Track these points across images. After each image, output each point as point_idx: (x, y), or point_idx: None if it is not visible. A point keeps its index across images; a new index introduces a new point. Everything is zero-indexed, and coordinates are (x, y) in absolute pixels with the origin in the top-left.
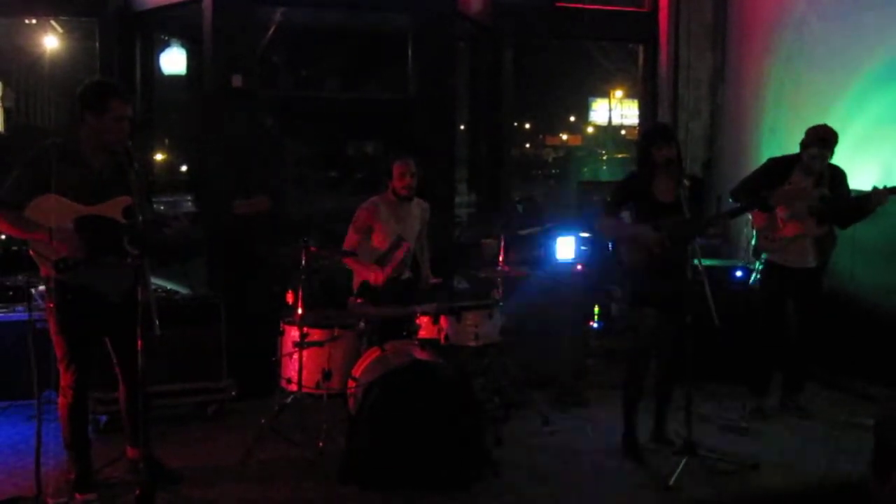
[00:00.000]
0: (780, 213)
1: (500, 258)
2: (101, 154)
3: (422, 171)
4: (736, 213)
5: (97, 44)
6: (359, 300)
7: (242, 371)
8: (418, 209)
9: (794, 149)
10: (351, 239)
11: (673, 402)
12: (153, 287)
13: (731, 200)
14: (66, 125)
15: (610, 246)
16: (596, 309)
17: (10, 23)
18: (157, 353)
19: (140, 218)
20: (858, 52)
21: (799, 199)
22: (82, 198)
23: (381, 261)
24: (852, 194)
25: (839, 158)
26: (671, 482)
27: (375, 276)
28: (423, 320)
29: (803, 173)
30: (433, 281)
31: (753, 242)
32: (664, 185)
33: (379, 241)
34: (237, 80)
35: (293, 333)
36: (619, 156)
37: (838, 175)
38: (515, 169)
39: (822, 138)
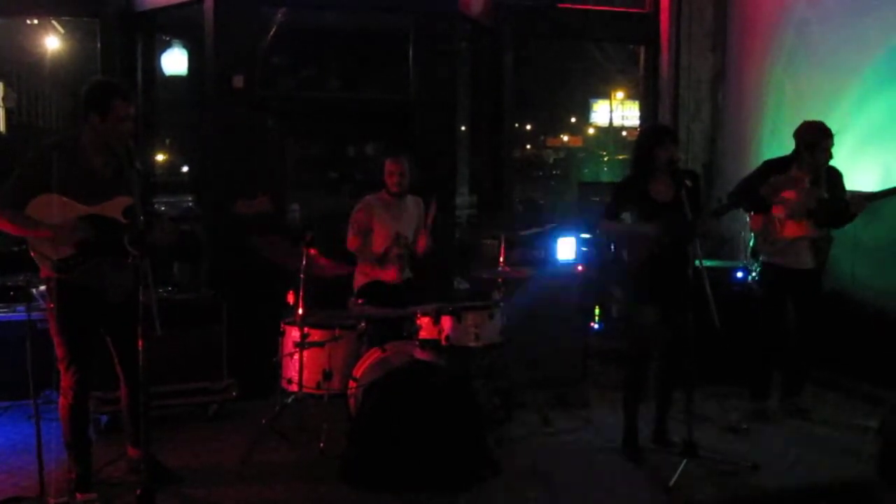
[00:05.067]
0: (778, 214)
1: (501, 259)
2: (102, 154)
3: (420, 172)
4: (721, 212)
5: (98, 44)
6: (359, 301)
7: (243, 371)
8: (414, 205)
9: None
10: (353, 241)
11: (673, 404)
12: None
13: (726, 203)
14: (67, 125)
15: (611, 247)
16: (597, 310)
17: (12, 23)
18: (158, 353)
19: (141, 218)
20: (859, 53)
21: (789, 186)
22: (83, 198)
23: (381, 260)
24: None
25: (840, 160)
26: (671, 483)
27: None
28: (424, 321)
29: (801, 173)
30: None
31: (752, 244)
32: (662, 185)
33: (378, 240)
34: (238, 81)
35: (294, 334)
36: (620, 157)
37: (835, 176)
38: (516, 170)
39: (829, 131)
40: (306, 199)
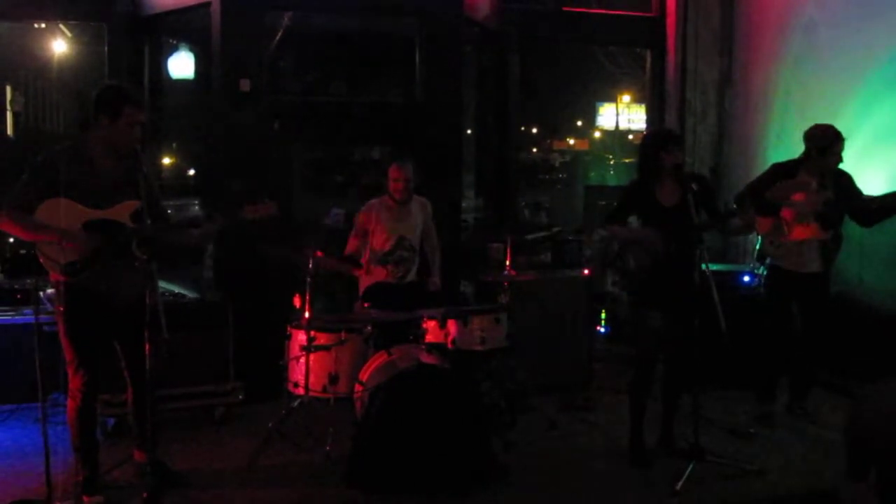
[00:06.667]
0: (786, 217)
1: (507, 262)
2: (110, 158)
3: (424, 176)
4: (729, 216)
5: (105, 48)
6: (365, 304)
7: (250, 375)
8: (418, 207)
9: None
10: (351, 243)
11: (680, 407)
12: (161, 290)
13: (734, 206)
14: (75, 129)
15: (616, 250)
16: (602, 313)
17: (19, 27)
18: (165, 357)
19: (149, 222)
20: (866, 56)
21: (798, 190)
22: (91, 202)
23: (384, 261)
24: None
25: (847, 163)
26: (678, 487)
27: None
28: (430, 324)
29: (809, 176)
30: (436, 287)
31: (758, 246)
32: (668, 189)
33: (379, 243)
34: (245, 85)
35: (300, 337)
36: (626, 160)
37: (844, 178)
38: (522, 173)
39: (841, 135)
40: (311, 203)
